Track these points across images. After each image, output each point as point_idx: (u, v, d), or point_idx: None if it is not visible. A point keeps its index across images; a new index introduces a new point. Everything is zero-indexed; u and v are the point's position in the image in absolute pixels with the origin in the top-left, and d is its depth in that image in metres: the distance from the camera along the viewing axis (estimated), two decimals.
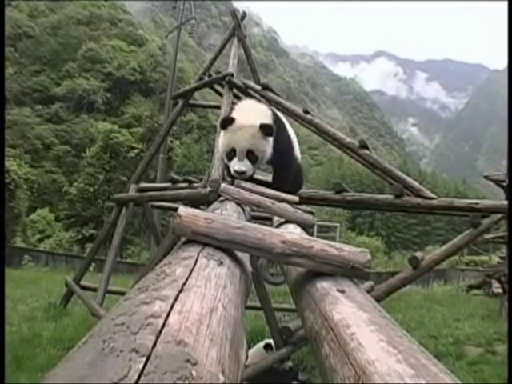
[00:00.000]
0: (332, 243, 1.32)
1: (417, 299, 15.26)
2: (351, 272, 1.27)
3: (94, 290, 9.37)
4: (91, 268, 13.86)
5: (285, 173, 4.30)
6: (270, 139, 3.88)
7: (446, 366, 0.73)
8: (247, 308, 8.69)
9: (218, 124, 4.17)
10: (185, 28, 32.18)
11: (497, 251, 24.72)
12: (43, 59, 69.93)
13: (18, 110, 57.98)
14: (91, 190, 34.45)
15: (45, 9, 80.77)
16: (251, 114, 3.94)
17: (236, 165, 3.77)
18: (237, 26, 9.12)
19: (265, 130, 3.77)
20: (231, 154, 3.84)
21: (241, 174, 3.74)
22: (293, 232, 1.58)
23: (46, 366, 6.32)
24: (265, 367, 6.33)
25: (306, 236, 1.42)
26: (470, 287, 19.28)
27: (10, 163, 27.01)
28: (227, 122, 3.87)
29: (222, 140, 3.93)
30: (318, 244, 1.30)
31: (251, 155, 3.80)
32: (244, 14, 9.52)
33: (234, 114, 3.95)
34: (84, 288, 9.97)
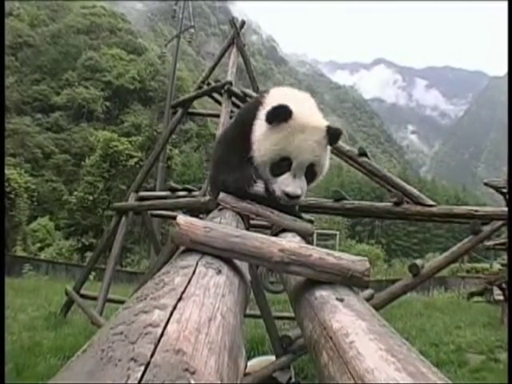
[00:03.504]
0: (330, 252, 1.32)
1: (417, 307, 15.24)
2: (350, 280, 1.27)
3: (94, 298, 9.37)
4: (91, 277, 13.85)
5: None
6: (329, 149, 2.70)
7: (447, 374, 0.73)
8: (247, 316, 8.71)
9: (263, 116, 2.52)
10: (184, 37, 32.30)
11: (498, 258, 24.73)
12: (43, 68, 70.19)
13: (19, 119, 58.12)
14: (91, 198, 34.44)
15: (45, 18, 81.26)
16: (312, 109, 2.67)
17: (290, 184, 2.49)
18: (236, 35, 9.17)
19: (333, 136, 2.57)
20: (281, 165, 2.51)
21: (294, 198, 2.49)
22: (291, 240, 1.58)
23: (46, 374, 6.30)
24: (265, 376, 6.31)
25: (304, 244, 1.43)
26: (471, 294, 19.29)
27: (10, 172, 27.08)
28: (284, 114, 2.43)
29: (268, 142, 2.51)
30: (317, 252, 1.30)
31: (310, 171, 2.58)
32: (243, 23, 9.56)
33: (286, 104, 2.47)
34: (84, 297, 9.96)
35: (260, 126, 2.56)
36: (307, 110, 2.57)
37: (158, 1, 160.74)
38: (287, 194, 2.47)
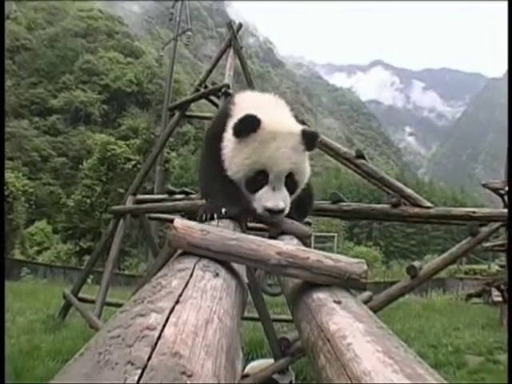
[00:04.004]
0: (328, 254, 1.32)
1: (416, 308, 15.23)
2: (347, 283, 1.26)
3: (92, 302, 9.33)
4: (89, 280, 13.81)
5: (307, 197, 2.76)
6: (307, 155, 2.45)
7: (446, 376, 0.73)
8: (245, 319, 8.69)
9: (229, 130, 2.30)
10: (181, 39, 32.28)
11: (496, 259, 24.76)
12: (41, 71, 70.32)
13: (16, 122, 58.19)
14: (88, 201, 34.44)
15: (42, 21, 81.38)
16: (283, 114, 2.45)
17: (270, 198, 2.21)
18: (233, 38, 9.18)
19: (310, 140, 2.33)
20: (258, 180, 2.26)
21: (278, 213, 2.22)
22: (289, 243, 1.58)
23: (44, 377, 6.28)
24: (264, 378, 6.29)
25: (301, 247, 1.43)
26: (470, 296, 19.26)
27: (8, 175, 27.06)
28: (251, 124, 2.20)
29: (239, 157, 2.27)
30: (314, 255, 1.30)
31: (290, 181, 2.31)
32: (240, 26, 9.59)
33: (252, 113, 2.23)
34: (82, 300, 9.93)
35: (229, 141, 2.33)
36: (278, 116, 2.34)
37: (154, 1, 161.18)
38: (269, 210, 2.21)
